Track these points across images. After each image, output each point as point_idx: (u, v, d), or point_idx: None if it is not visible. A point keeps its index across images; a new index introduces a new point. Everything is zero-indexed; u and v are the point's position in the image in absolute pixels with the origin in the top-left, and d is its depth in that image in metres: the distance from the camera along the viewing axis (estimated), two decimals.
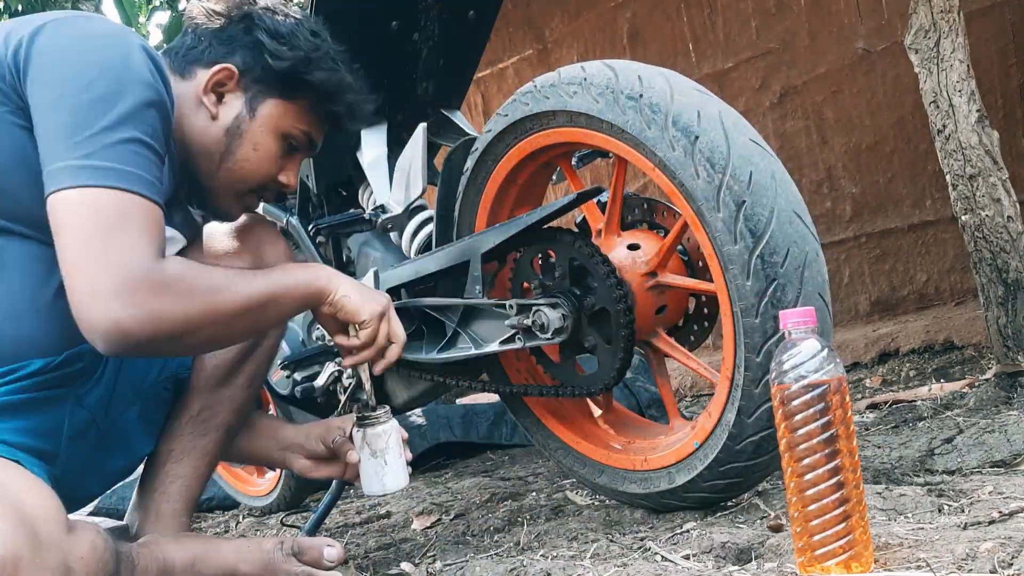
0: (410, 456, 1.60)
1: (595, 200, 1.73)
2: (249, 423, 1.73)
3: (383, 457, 1.53)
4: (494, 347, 1.74)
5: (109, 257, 1.21)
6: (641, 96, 1.47)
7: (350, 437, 1.60)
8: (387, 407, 1.58)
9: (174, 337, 1.26)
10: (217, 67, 1.48)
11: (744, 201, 1.38)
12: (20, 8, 5.53)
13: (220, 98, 1.49)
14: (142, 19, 6.01)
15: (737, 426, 1.47)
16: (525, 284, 1.76)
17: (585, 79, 1.55)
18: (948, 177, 2.27)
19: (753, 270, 1.39)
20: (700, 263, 1.64)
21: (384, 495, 1.56)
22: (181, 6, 5.42)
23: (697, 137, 1.42)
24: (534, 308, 1.67)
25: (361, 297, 1.47)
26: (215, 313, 1.29)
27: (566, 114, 1.60)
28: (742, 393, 1.45)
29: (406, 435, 1.60)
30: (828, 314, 1.43)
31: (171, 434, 1.64)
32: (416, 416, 3.02)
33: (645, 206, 1.75)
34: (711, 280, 1.51)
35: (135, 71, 1.28)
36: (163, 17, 5.85)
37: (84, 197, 1.22)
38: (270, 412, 2.39)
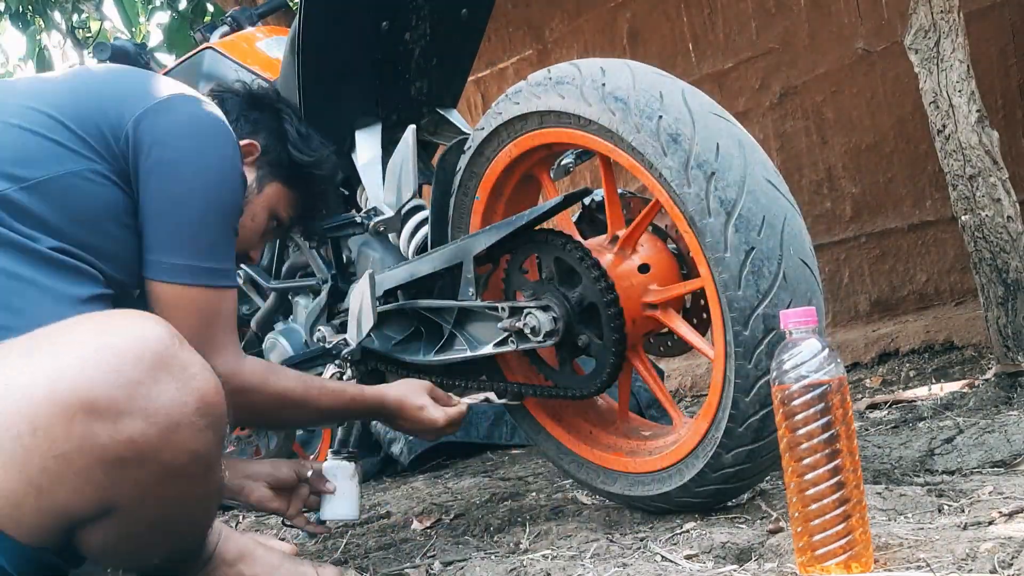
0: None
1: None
2: None
3: (358, 487, 1.74)
4: (488, 349, 1.74)
5: (221, 349, 1.41)
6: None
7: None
8: (355, 452, 1.78)
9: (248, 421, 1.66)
10: (246, 140, 1.64)
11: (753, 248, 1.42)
12: (20, 9, 5.53)
13: None
14: (142, 18, 6.01)
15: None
16: (517, 286, 1.77)
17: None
18: (948, 177, 2.27)
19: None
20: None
21: (347, 520, 1.83)
22: (181, 6, 5.42)
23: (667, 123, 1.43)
24: (525, 311, 1.67)
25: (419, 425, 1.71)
26: (278, 420, 1.65)
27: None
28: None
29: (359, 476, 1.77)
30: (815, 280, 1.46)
31: None
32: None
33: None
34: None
35: (237, 172, 1.45)
36: (163, 17, 5.85)
37: (188, 294, 1.40)
38: None
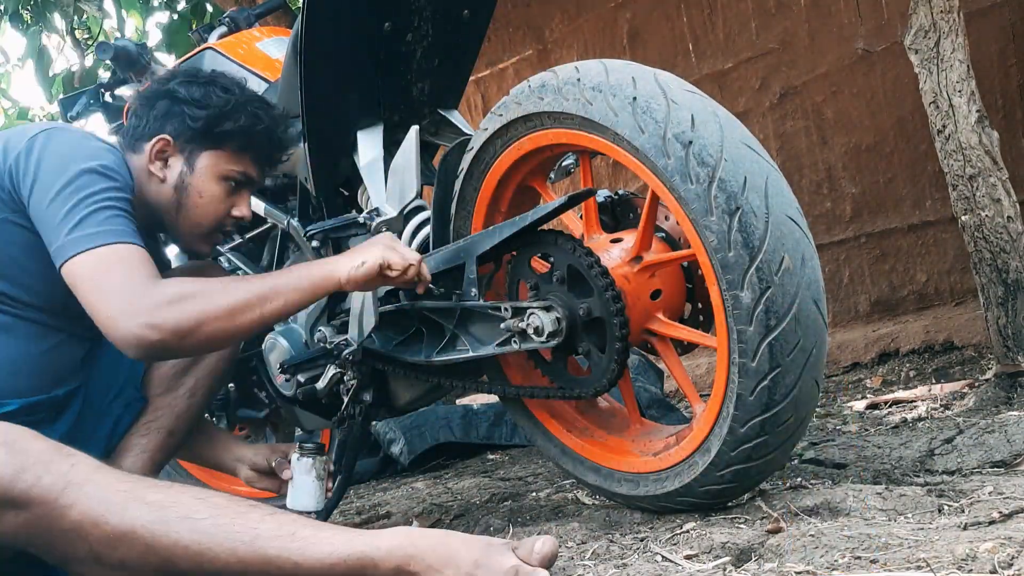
0: (330, 487, 1.93)
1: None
2: (208, 433, 2.08)
3: (317, 481, 1.90)
4: (491, 349, 1.74)
5: (118, 291, 1.55)
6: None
7: (289, 461, 1.93)
8: (322, 445, 1.92)
9: (181, 335, 1.55)
10: (154, 139, 1.80)
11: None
12: (19, 8, 5.53)
13: (165, 163, 1.80)
14: (136, 20, 6.01)
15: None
16: (521, 286, 1.77)
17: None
18: (948, 177, 2.27)
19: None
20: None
21: (306, 511, 1.92)
22: (180, 6, 5.42)
23: (691, 141, 1.44)
24: (528, 311, 1.67)
25: (362, 259, 1.68)
26: (211, 311, 1.57)
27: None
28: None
29: (331, 469, 1.94)
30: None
31: (123, 436, 1.91)
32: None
33: (632, 202, 1.76)
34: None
35: (107, 169, 1.64)
36: (162, 17, 5.85)
37: (88, 257, 1.57)
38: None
